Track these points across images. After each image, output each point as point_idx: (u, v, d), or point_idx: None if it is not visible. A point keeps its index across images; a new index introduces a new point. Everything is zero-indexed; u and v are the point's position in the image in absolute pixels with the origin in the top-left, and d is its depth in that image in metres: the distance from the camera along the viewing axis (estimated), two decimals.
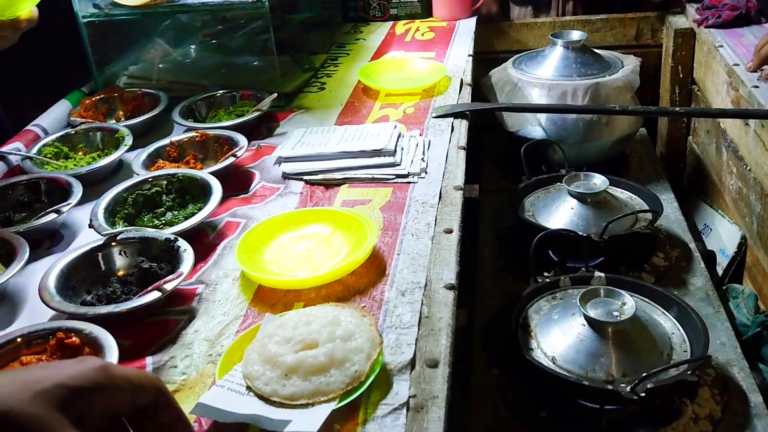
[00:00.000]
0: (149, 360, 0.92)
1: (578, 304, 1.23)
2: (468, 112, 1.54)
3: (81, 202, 1.25)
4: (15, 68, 1.73)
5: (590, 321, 1.21)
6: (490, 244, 1.76)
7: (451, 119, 1.51)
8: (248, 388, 0.83)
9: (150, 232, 1.12)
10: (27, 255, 1.08)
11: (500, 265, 1.69)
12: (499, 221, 1.82)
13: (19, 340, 0.91)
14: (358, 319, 0.89)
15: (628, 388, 1.11)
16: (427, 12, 2.22)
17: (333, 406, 0.79)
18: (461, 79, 1.72)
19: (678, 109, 2.09)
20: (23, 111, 1.66)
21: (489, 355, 1.38)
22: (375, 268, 1.06)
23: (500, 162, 2.09)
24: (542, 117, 1.87)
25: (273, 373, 0.83)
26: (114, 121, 1.61)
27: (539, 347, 1.25)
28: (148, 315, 1.00)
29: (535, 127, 1.88)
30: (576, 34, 1.94)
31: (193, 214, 1.19)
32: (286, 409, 0.80)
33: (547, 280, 1.40)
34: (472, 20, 2.16)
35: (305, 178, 1.33)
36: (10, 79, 1.69)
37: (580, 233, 1.48)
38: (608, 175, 1.63)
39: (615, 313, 1.22)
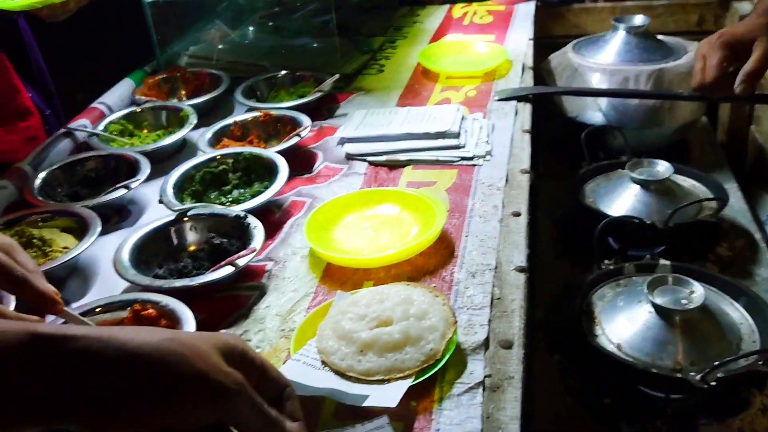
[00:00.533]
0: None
1: (645, 291, 1.21)
2: (531, 96, 1.52)
3: (147, 179, 1.26)
4: (80, 47, 1.76)
5: (658, 308, 1.19)
6: (548, 230, 1.74)
7: (514, 103, 1.49)
8: (323, 362, 0.84)
9: (220, 208, 1.13)
10: (99, 229, 1.10)
11: (558, 251, 1.67)
12: (556, 207, 1.80)
13: (98, 309, 0.92)
14: (431, 298, 0.89)
15: (698, 377, 1.09)
16: None
17: (410, 382, 0.79)
18: (523, 63, 1.70)
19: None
20: (86, 89, 1.68)
21: (550, 342, 1.37)
22: (443, 249, 1.05)
23: (556, 148, 2.06)
24: (603, 102, 1.83)
25: (348, 349, 0.83)
26: (176, 100, 1.62)
27: (604, 334, 1.24)
28: (219, 290, 1.01)
29: (595, 113, 1.85)
30: (639, 19, 1.90)
31: (259, 193, 1.20)
32: (363, 385, 0.80)
33: (611, 267, 1.38)
34: (531, 4, 2.13)
35: (369, 159, 1.33)
36: (76, 57, 1.71)
37: (644, 220, 1.45)
38: (672, 163, 1.60)
39: (683, 301, 1.20)
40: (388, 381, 0.80)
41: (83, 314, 0.91)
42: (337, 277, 1.02)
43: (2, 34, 1.49)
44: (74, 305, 1.02)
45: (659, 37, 1.94)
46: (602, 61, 1.86)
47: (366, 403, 0.77)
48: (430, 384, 0.81)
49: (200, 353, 0.56)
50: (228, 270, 0.98)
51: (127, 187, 1.22)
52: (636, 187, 1.57)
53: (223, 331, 0.94)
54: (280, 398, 0.63)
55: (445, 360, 0.82)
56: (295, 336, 0.89)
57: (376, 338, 0.83)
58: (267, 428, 0.59)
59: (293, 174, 1.28)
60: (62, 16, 1.39)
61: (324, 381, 0.81)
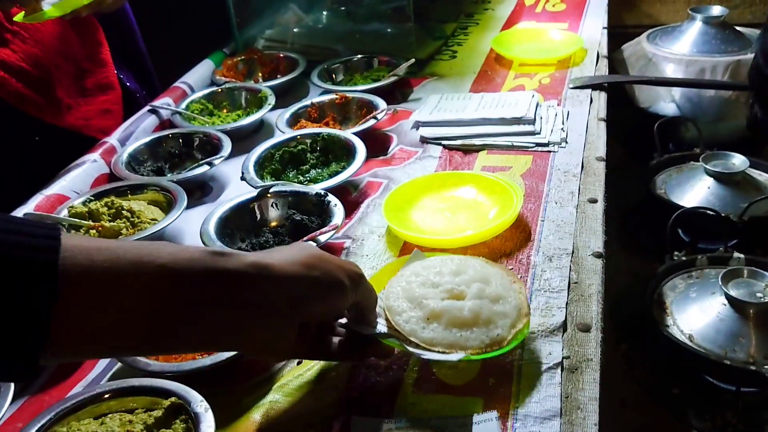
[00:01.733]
0: None
1: (720, 283, 1.20)
2: (606, 85, 1.51)
3: (227, 157, 1.30)
4: (164, 27, 1.82)
5: (732, 300, 1.19)
6: (616, 220, 1.73)
7: (588, 91, 1.49)
8: (386, 319, 0.83)
9: (300, 187, 1.16)
10: (185, 203, 1.14)
11: (626, 241, 1.66)
12: (625, 198, 1.79)
13: None
14: (508, 283, 0.88)
15: None
16: None
17: (466, 354, 0.79)
18: (597, 51, 1.69)
19: None
20: (167, 67, 1.73)
21: (619, 330, 1.37)
22: (520, 233, 1.07)
23: (627, 139, 2.04)
24: (677, 93, 1.82)
25: (415, 313, 0.82)
26: (253, 82, 1.66)
27: (675, 324, 1.24)
28: None
29: (668, 104, 1.84)
30: (717, 9, 1.87)
31: (336, 173, 1.22)
32: (420, 350, 0.80)
33: (684, 258, 1.37)
34: None
35: (443, 142, 1.34)
36: (158, 36, 1.77)
37: (719, 212, 1.44)
38: (747, 156, 1.58)
39: (758, 294, 1.19)
40: (447, 353, 0.79)
41: None
42: None
43: (110, 17, 1.55)
44: None
45: (737, 28, 1.90)
46: (678, 52, 1.85)
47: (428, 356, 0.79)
48: (508, 361, 0.83)
49: (328, 257, 0.74)
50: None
51: (210, 164, 1.26)
52: (710, 180, 1.56)
53: None
54: None
55: (508, 349, 0.81)
56: None
57: (446, 310, 0.81)
58: (376, 300, 0.82)
59: (369, 155, 1.30)
60: (117, 5, 1.44)
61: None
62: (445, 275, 0.86)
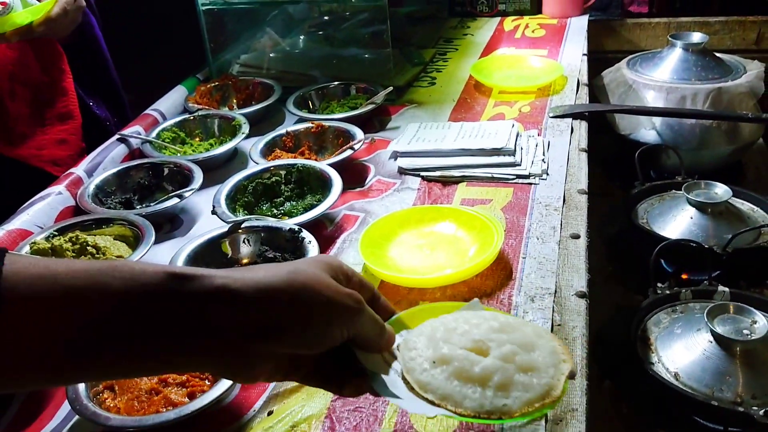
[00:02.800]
0: None
1: (705, 319, 1.17)
2: (587, 113, 1.49)
3: (199, 188, 1.26)
4: (134, 54, 1.77)
5: (718, 338, 1.15)
6: (599, 250, 1.70)
7: (569, 120, 1.46)
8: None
9: (273, 222, 1.11)
10: (153, 239, 1.09)
11: (609, 272, 1.63)
12: (607, 226, 1.76)
13: None
14: (555, 359, 0.72)
15: (761, 412, 1.05)
16: (536, 8, 2.18)
17: (444, 412, 0.67)
18: (578, 79, 1.67)
19: None
20: (141, 95, 1.69)
21: (602, 367, 1.33)
22: (501, 270, 1.03)
23: (608, 165, 2.02)
24: (657, 121, 1.79)
25: (425, 353, 0.70)
26: (227, 109, 1.62)
27: (660, 362, 1.20)
28: None
29: (649, 131, 1.81)
30: (697, 36, 1.86)
31: (311, 206, 1.18)
32: (408, 392, 0.69)
33: (667, 291, 1.34)
34: (584, 18, 2.10)
35: (422, 174, 1.31)
36: (130, 63, 1.73)
37: (702, 244, 1.41)
38: (729, 185, 1.56)
39: (745, 332, 1.16)
40: (437, 406, 0.67)
41: None
42: (392, 295, 1.00)
43: (80, 45, 1.51)
44: None
45: (717, 54, 1.89)
46: (658, 78, 1.82)
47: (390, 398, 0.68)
48: None
49: (321, 281, 0.62)
50: None
51: (180, 196, 1.21)
52: (692, 210, 1.53)
53: None
54: (372, 299, 0.70)
55: (504, 422, 0.73)
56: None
57: (457, 359, 0.69)
58: (380, 333, 0.68)
59: (345, 187, 1.27)
60: (63, 33, 1.40)
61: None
62: (484, 327, 0.73)
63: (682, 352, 1.19)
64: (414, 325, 0.75)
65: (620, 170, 1.90)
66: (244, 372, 0.61)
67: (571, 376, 0.70)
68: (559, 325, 0.92)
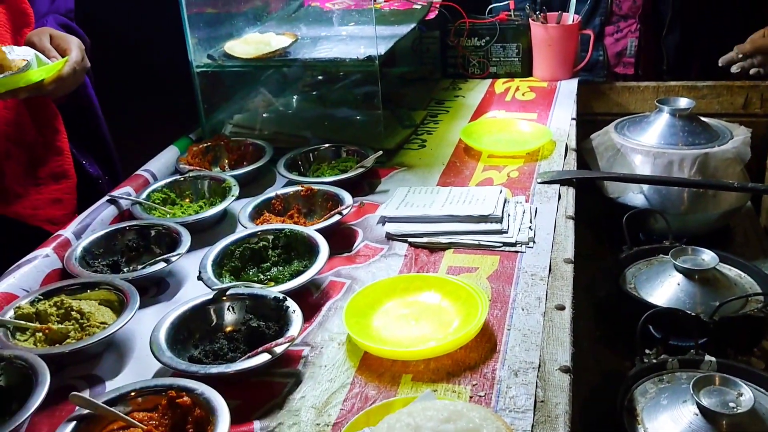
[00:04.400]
0: (257, 424, 0.91)
1: (691, 391, 1.16)
2: (575, 179, 1.50)
3: (187, 250, 1.26)
4: (129, 113, 1.80)
5: (704, 411, 1.15)
6: (585, 313, 1.70)
7: (557, 186, 1.48)
8: None
9: (258, 289, 1.12)
10: (137, 305, 1.09)
11: (596, 337, 1.63)
12: (595, 290, 1.76)
13: (133, 393, 0.91)
14: None
15: None
16: (527, 71, 2.21)
17: None
18: (566, 144, 1.69)
19: None
20: (133, 154, 1.71)
21: None
22: (485, 342, 1.03)
23: (595, 227, 2.03)
24: (645, 185, 1.81)
25: None
26: (219, 169, 1.63)
27: None
28: (254, 375, 0.99)
29: (637, 195, 1.83)
30: (684, 102, 1.89)
31: (298, 272, 1.19)
32: None
33: (654, 360, 1.34)
34: (574, 81, 2.14)
35: (410, 240, 1.31)
36: (123, 123, 1.75)
37: (689, 312, 1.41)
38: (716, 251, 1.57)
39: (731, 404, 1.15)
40: None
41: (117, 399, 0.90)
42: (375, 367, 1.00)
43: (73, 104, 1.53)
44: (109, 383, 1.02)
45: (704, 119, 1.92)
46: (646, 143, 1.85)
47: None
48: None
49: None
50: (264, 357, 0.97)
51: (167, 261, 1.21)
52: (679, 276, 1.54)
53: (256, 422, 0.92)
54: None
55: None
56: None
57: None
58: None
59: (332, 252, 1.27)
60: (67, 91, 1.42)
61: None
62: (432, 420, 0.79)
63: (668, 424, 1.18)
64: (374, 423, 0.82)
65: (608, 233, 1.91)
66: None
67: None
68: (542, 401, 0.91)
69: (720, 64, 2.06)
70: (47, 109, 1.46)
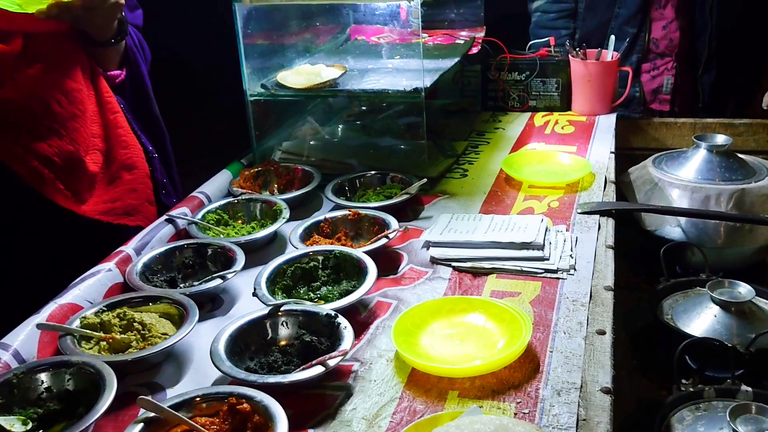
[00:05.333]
0: None
1: (728, 418, 1.19)
2: (614, 211, 1.54)
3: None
4: (185, 137, 1.88)
5: None
6: (623, 343, 1.73)
7: (597, 216, 1.52)
8: None
9: (311, 306, 1.17)
10: (197, 318, 1.15)
11: (633, 366, 1.65)
12: (632, 320, 1.79)
13: (197, 399, 0.96)
14: None
15: None
16: (566, 105, 2.26)
17: None
18: (605, 176, 1.73)
19: None
20: (188, 176, 1.79)
21: None
22: (528, 363, 1.07)
23: (633, 260, 2.06)
24: (682, 219, 1.84)
25: None
26: (268, 193, 1.70)
27: None
28: (307, 388, 1.04)
29: (674, 228, 1.86)
30: (721, 138, 1.92)
31: (347, 291, 1.24)
32: None
33: (691, 389, 1.36)
34: (612, 116, 2.18)
35: (454, 264, 1.36)
36: (182, 146, 1.83)
37: (726, 343, 1.44)
38: (753, 284, 1.59)
39: None
40: None
41: (181, 404, 0.96)
42: (422, 383, 1.05)
43: (128, 80, 1.64)
44: (169, 391, 1.07)
45: (741, 156, 1.95)
46: (683, 178, 1.88)
47: None
48: None
49: None
50: (318, 370, 1.02)
51: (223, 277, 1.28)
52: (716, 308, 1.56)
53: (311, 431, 0.97)
54: None
55: None
56: None
57: None
58: None
59: (379, 274, 1.32)
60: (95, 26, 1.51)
61: None
62: None
63: None
64: None
65: (645, 265, 1.94)
66: None
67: None
68: (584, 420, 0.95)
69: (764, 107, 2.08)
70: (114, 106, 1.56)
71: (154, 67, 1.73)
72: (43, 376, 1.03)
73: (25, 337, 1.11)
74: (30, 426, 0.97)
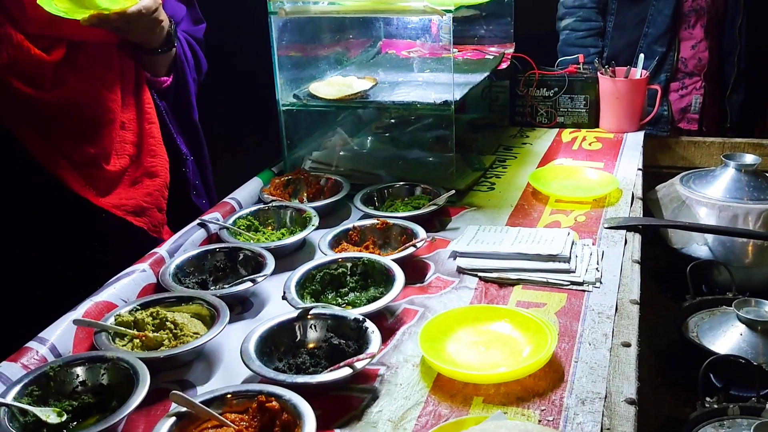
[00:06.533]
0: None
1: None
2: (641, 227, 1.55)
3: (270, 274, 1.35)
4: (221, 145, 1.93)
5: None
6: (647, 360, 1.72)
7: (623, 231, 1.53)
8: None
9: (339, 310, 1.19)
10: (227, 318, 1.18)
11: (657, 383, 1.65)
12: (657, 338, 1.79)
13: (229, 396, 0.99)
14: None
15: None
16: (593, 122, 2.27)
17: None
18: (632, 193, 1.74)
19: None
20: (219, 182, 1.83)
21: None
22: (553, 372, 1.08)
23: (659, 277, 2.06)
24: (709, 237, 1.84)
25: None
26: (297, 201, 1.73)
27: None
28: (334, 389, 1.06)
29: (701, 246, 1.86)
30: (750, 158, 1.92)
31: (374, 298, 1.26)
32: None
33: (715, 406, 1.36)
34: (640, 134, 2.19)
35: (480, 274, 1.38)
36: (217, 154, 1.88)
37: (752, 361, 1.43)
38: None
39: None
40: None
41: (212, 400, 0.98)
42: (447, 389, 1.06)
43: (173, 87, 1.70)
44: (200, 388, 1.10)
45: None
46: (711, 196, 1.88)
47: None
48: None
49: None
50: (346, 371, 1.04)
51: (253, 281, 1.30)
52: (742, 326, 1.56)
53: (337, 430, 0.99)
54: None
55: None
56: None
57: None
58: None
59: (406, 282, 1.34)
60: (139, 36, 1.56)
61: None
62: None
63: None
64: None
65: (671, 282, 1.94)
66: None
67: None
68: (608, 429, 0.96)
69: None
70: (151, 116, 1.61)
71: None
72: (79, 370, 1.06)
73: (61, 333, 1.14)
74: (65, 418, 1.00)
